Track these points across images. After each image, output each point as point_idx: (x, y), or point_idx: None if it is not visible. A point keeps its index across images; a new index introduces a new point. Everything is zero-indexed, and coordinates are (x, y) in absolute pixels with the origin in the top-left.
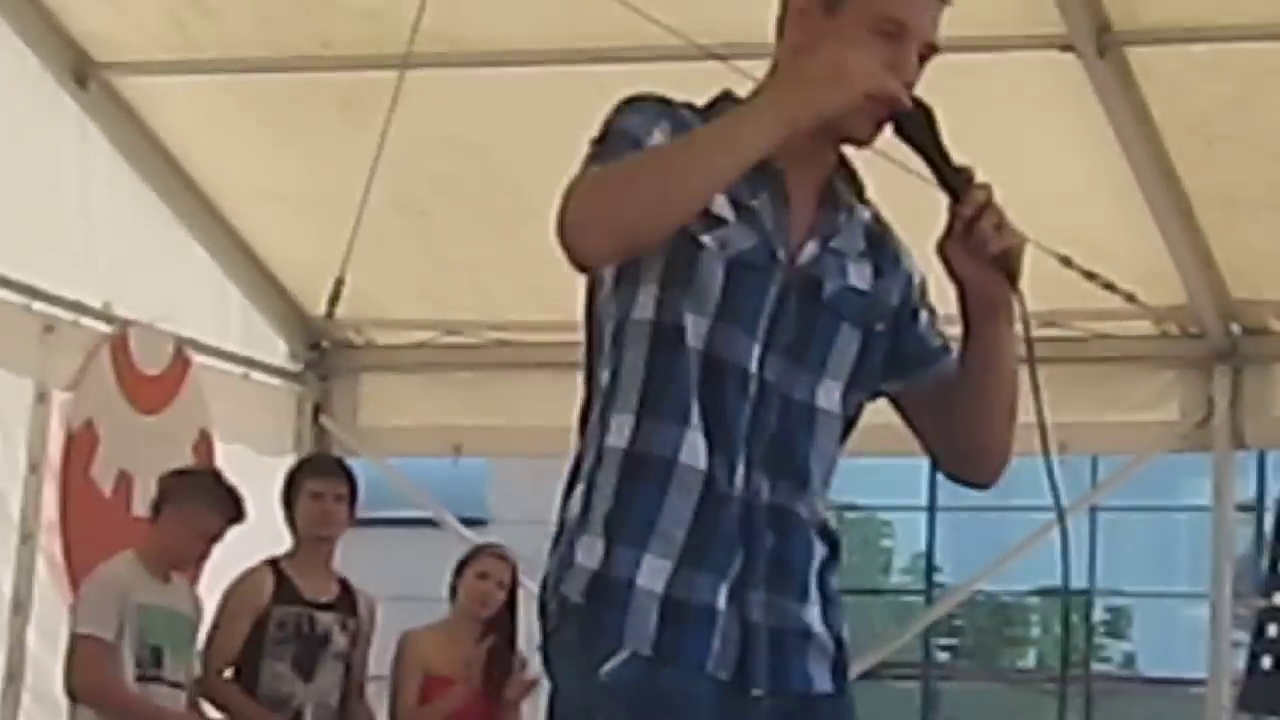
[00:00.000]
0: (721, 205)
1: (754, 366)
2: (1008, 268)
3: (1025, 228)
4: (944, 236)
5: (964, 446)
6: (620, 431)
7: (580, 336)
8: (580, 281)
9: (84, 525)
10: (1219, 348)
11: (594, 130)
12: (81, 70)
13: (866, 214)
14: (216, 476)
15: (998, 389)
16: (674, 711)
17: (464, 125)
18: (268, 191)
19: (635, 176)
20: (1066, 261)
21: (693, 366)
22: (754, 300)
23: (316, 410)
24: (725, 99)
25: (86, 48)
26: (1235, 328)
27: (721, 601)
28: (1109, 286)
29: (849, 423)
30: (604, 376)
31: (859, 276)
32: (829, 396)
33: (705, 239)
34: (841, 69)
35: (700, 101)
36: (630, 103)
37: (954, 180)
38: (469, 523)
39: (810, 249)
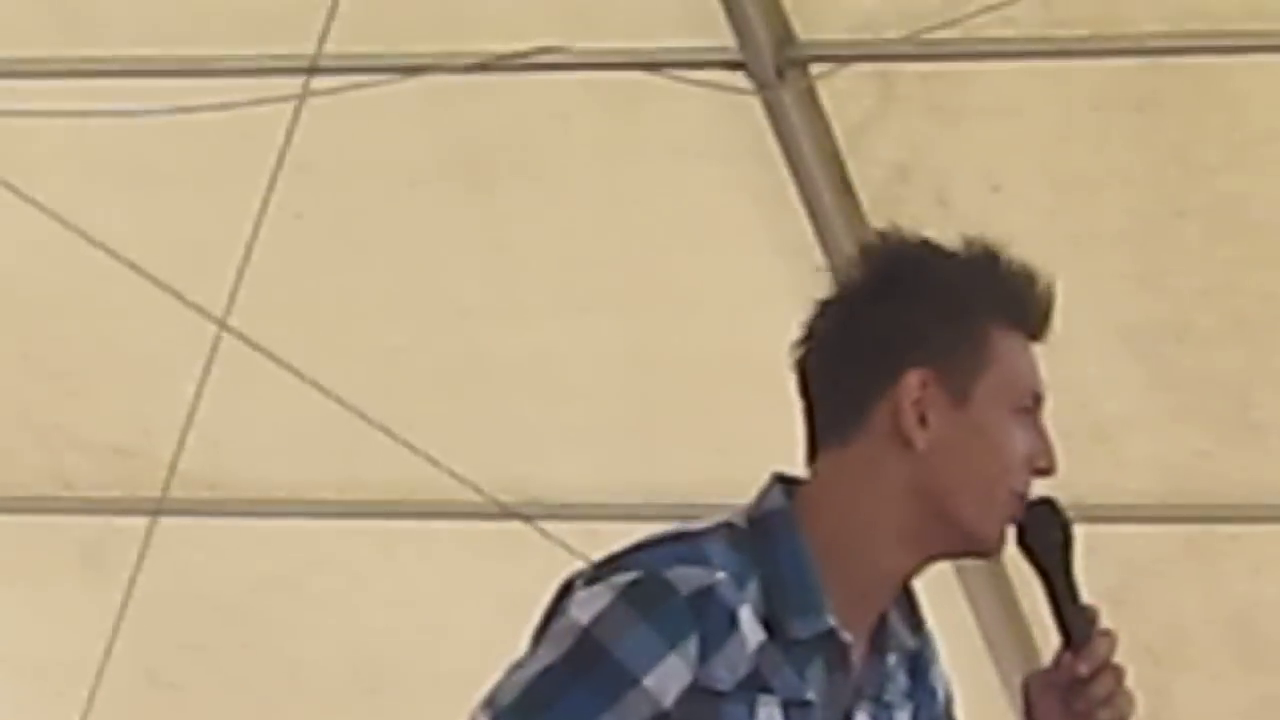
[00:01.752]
0: (770, 718)
1: None
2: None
3: None
4: (1040, 676)
5: None
6: None
7: None
8: None
9: None
10: None
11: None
12: None
13: (913, 642)
14: None
15: None
16: None
17: (224, 584)
18: None
19: None
20: None
21: None
22: None
23: None
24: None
25: None
26: None
27: None
28: None
29: None
30: None
31: None
32: None
33: None
34: None
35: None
36: (635, 587)
37: (1074, 620)
38: None
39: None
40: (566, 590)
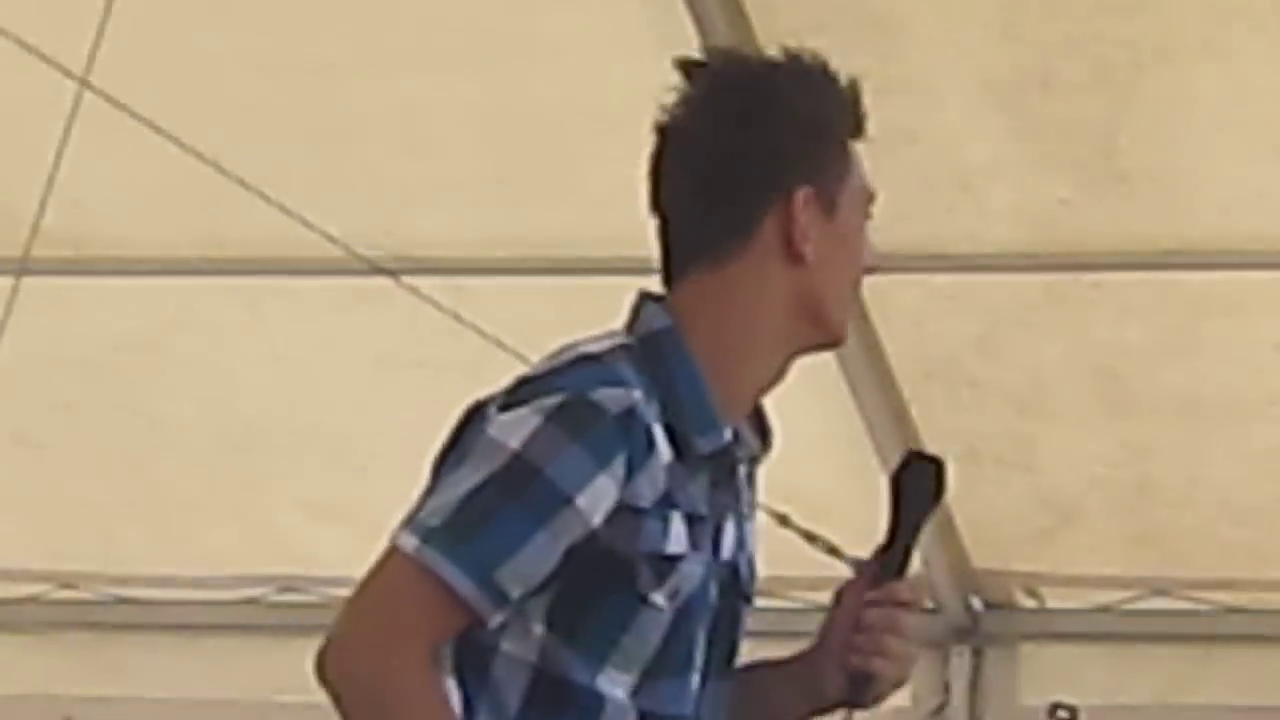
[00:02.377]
0: (679, 535)
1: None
2: (857, 684)
3: None
4: (852, 587)
5: None
6: None
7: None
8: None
9: None
10: (957, 625)
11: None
12: None
13: (760, 451)
14: None
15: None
16: None
17: (88, 344)
18: None
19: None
20: (784, 520)
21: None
22: (695, 636)
23: None
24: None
25: None
26: (976, 602)
27: None
28: (832, 551)
29: None
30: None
31: (749, 539)
32: None
33: (657, 598)
34: None
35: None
36: (563, 409)
37: (900, 559)
38: None
39: (730, 533)
40: (474, 414)
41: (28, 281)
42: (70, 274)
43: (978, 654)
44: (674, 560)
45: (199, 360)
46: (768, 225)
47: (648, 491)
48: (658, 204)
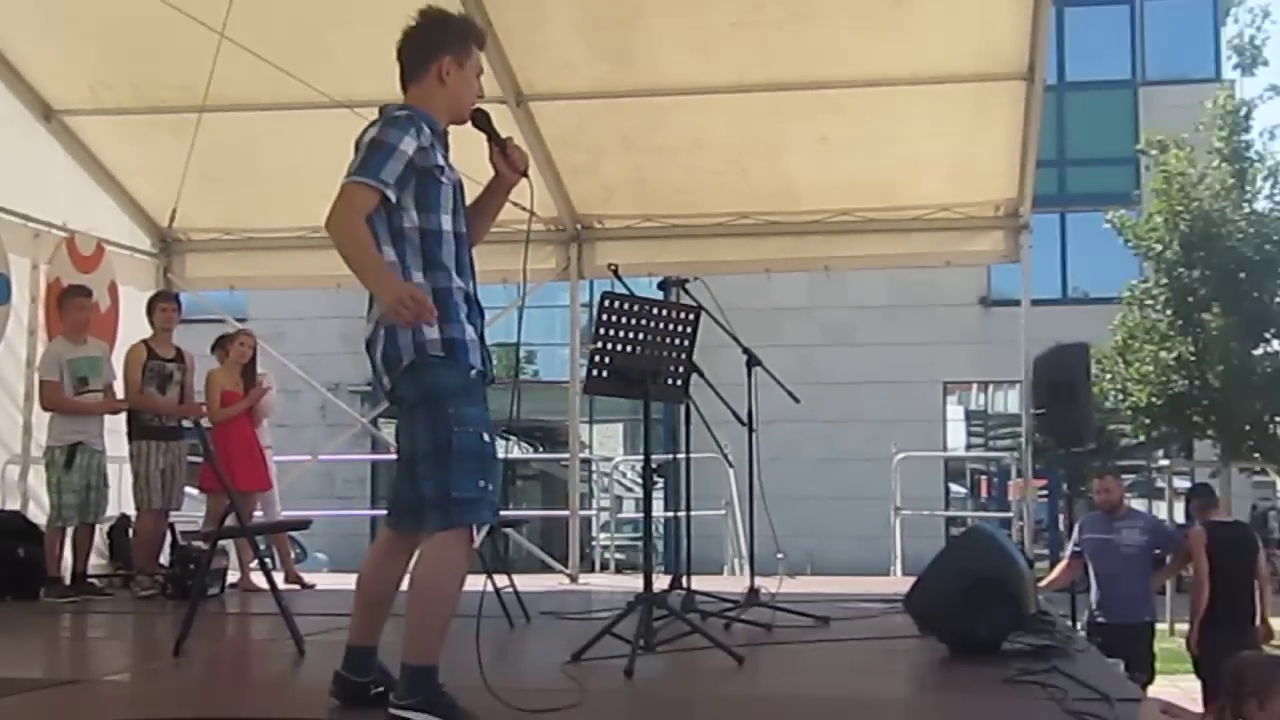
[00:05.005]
0: (439, 157)
1: (459, 227)
2: (525, 172)
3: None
4: (497, 156)
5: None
6: (416, 277)
7: None
8: None
9: (52, 316)
10: (571, 233)
11: None
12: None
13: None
14: (83, 292)
15: (491, 216)
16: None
17: None
18: None
19: (350, 242)
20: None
21: (447, 240)
22: (458, 201)
23: (165, 270)
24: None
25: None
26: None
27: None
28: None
29: None
30: (389, 253)
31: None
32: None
33: (443, 179)
34: (400, 307)
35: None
36: (393, 116)
37: (500, 139)
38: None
39: (450, 163)
40: (363, 133)
41: None
42: None
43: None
44: (442, 168)
45: None
46: (434, 67)
47: (425, 143)
48: (401, 58)
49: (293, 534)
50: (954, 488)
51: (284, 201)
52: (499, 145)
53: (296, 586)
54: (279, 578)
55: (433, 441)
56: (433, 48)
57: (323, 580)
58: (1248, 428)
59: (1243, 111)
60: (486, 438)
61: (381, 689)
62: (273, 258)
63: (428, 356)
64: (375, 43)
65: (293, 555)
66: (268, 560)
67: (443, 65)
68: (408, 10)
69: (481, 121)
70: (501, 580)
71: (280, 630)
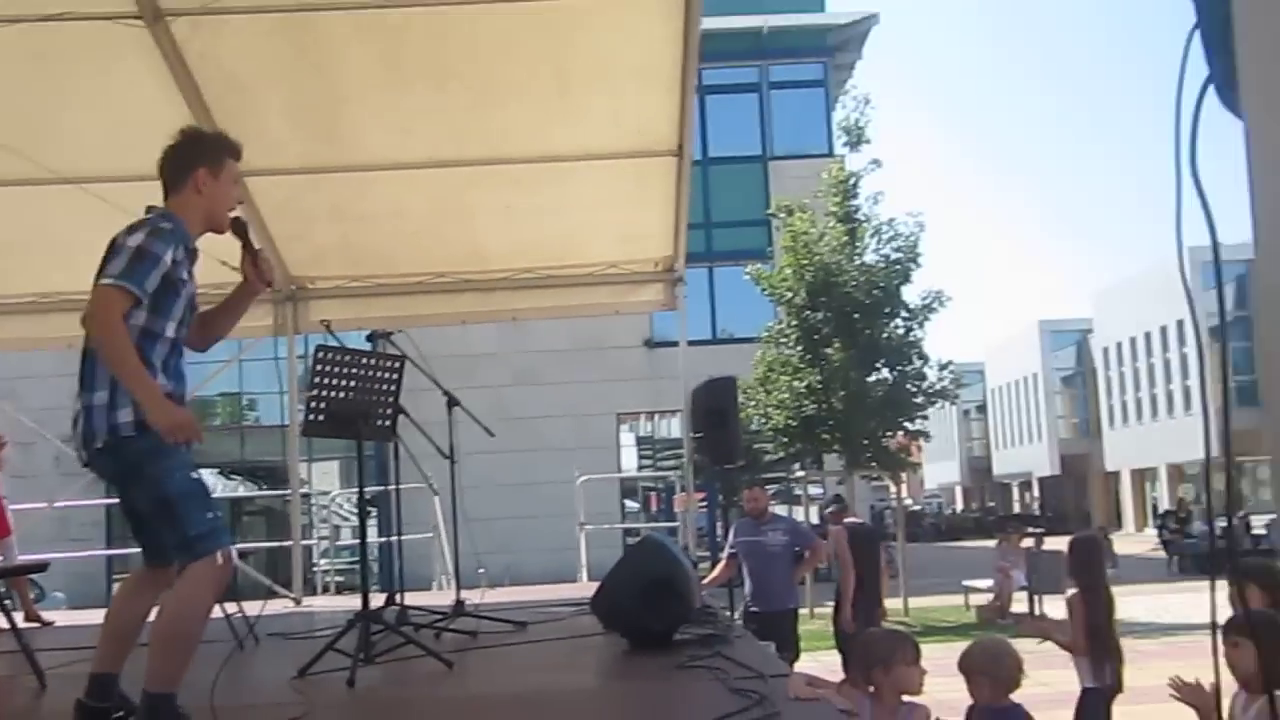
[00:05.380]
0: (185, 272)
1: (180, 334)
2: (270, 283)
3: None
4: (248, 264)
5: (209, 336)
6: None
7: None
8: None
9: None
10: (288, 292)
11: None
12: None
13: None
14: None
15: (237, 316)
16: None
17: None
18: None
19: (115, 346)
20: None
21: (163, 343)
22: (186, 313)
23: None
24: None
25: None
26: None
27: None
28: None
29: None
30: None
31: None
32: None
33: (181, 292)
34: (175, 429)
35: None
36: (158, 228)
37: (253, 248)
38: None
39: (191, 276)
40: (115, 239)
41: None
42: None
43: (294, 302)
44: (185, 281)
45: None
46: (190, 180)
47: (179, 256)
48: (162, 173)
49: (31, 576)
50: (629, 503)
51: (15, 270)
52: (251, 255)
53: (36, 624)
54: (19, 617)
55: (151, 501)
56: (189, 162)
57: (61, 617)
58: (866, 442)
59: (851, 181)
60: (194, 475)
61: (122, 714)
62: (5, 321)
63: (120, 438)
64: (101, 126)
65: (31, 596)
66: (7, 601)
67: (199, 178)
68: (131, 95)
69: (239, 229)
70: (231, 606)
71: (22, 666)
